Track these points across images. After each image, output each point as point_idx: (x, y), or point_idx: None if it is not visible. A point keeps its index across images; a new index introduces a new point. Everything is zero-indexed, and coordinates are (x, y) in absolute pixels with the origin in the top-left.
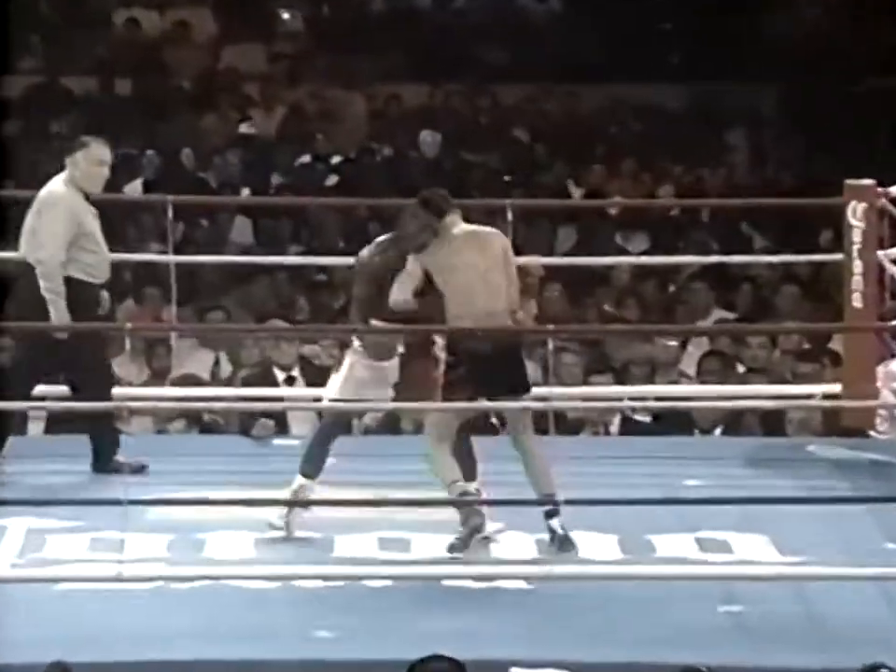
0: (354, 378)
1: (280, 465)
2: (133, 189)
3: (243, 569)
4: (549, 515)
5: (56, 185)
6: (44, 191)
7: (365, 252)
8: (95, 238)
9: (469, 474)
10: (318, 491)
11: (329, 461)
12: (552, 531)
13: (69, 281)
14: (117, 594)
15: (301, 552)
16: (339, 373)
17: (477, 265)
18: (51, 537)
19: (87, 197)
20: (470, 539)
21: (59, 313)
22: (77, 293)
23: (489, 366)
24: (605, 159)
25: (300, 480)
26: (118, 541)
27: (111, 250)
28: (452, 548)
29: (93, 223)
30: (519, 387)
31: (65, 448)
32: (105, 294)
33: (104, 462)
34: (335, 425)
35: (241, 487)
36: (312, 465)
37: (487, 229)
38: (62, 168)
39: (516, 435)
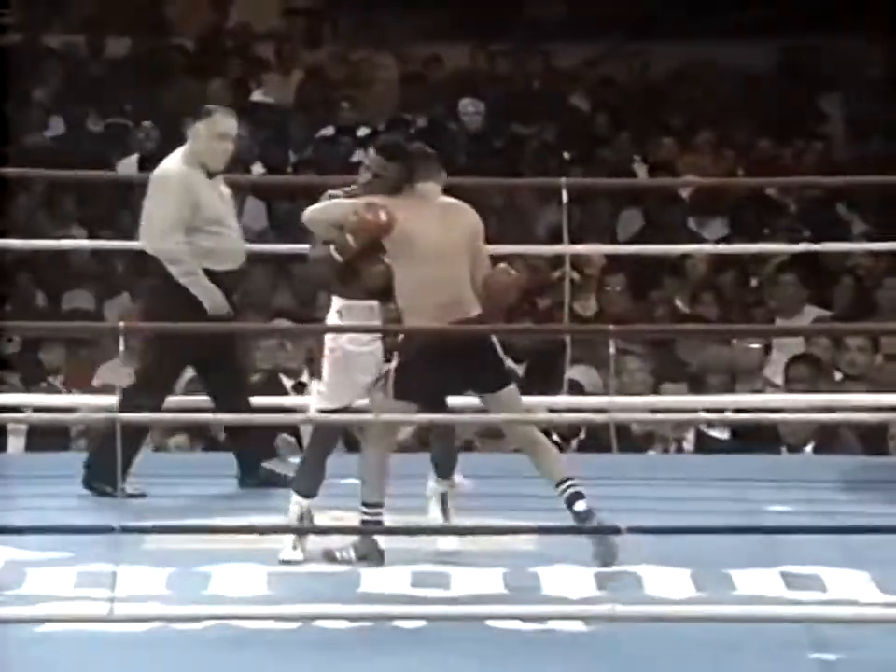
0: (343, 372)
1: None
2: (128, 166)
3: (254, 608)
4: (570, 502)
5: (171, 161)
6: (158, 169)
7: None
8: (218, 220)
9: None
10: (341, 517)
11: (351, 481)
12: (576, 515)
13: None
14: (107, 637)
15: (323, 588)
16: (324, 369)
17: (442, 241)
18: (33, 570)
19: (211, 174)
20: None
21: (207, 294)
22: None
23: (451, 364)
24: (677, 130)
25: (299, 500)
26: (109, 575)
27: (98, 237)
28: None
29: (217, 203)
30: (492, 385)
31: (48, 467)
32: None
33: (250, 475)
34: (333, 430)
35: (252, 513)
36: (309, 481)
37: (461, 203)
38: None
39: (512, 438)
